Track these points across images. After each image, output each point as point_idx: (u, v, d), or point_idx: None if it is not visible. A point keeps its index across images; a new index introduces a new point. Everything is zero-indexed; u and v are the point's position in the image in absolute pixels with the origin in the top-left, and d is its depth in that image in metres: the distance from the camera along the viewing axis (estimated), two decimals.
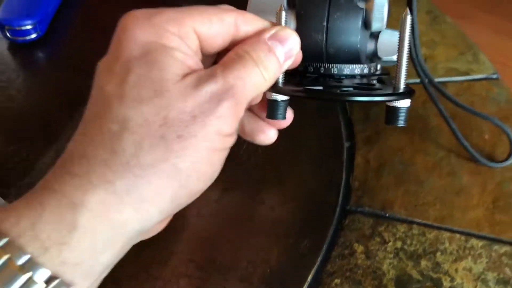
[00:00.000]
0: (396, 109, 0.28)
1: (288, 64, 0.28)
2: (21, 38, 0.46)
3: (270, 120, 0.31)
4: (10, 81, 0.44)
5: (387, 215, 0.34)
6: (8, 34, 0.46)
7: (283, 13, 0.29)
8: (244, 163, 0.37)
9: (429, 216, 0.34)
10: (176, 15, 0.25)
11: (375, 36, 0.32)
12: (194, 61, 0.25)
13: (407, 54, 0.28)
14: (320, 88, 0.31)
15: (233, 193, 0.35)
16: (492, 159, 0.38)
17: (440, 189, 0.36)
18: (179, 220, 0.33)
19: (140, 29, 0.24)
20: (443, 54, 0.48)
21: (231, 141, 0.26)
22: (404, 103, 0.28)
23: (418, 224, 0.33)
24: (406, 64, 0.28)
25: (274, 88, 0.29)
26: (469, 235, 0.33)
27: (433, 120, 0.40)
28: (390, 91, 0.29)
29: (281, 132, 0.40)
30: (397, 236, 0.33)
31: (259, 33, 0.26)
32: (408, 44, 0.28)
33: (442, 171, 0.37)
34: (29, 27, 0.46)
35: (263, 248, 0.32)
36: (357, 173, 0.37)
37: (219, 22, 0.26)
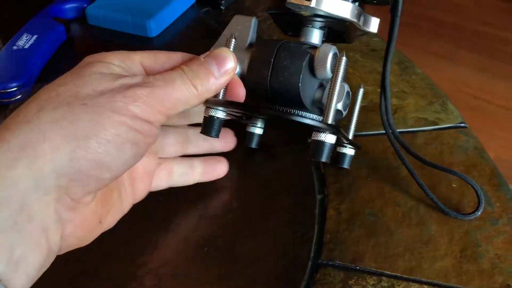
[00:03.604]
0: (321, 143, 0.30)
1: (225, 79, 0.30)
2: (6, 100, 0.48)
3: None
4: None
5: (357, 267, 0.35)
6: None
7: (233, 40, 0.32)
8: (219, 218, 0.38)
9: (398, 268, 0.35)
10: (125, 52, 0.30)
11: (323, 85, 0.34)
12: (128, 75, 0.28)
13: (337, 92, 0.30)
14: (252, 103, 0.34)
15: (207, 250, 0.36)
16: (460, 208, 0.39)
17: (409, 239, 0.37)
18: (153, 280, 0.34)
19: (90, 58, 0.28)
20: (412, 104, 0.50)
21: (146, 129, 0.27)
22: (329, 139, 0.30)
23: (388, 276, 0.34)
24: (336, 100, 0.30)
25: (209, 101, 0.31)
26: (437, 286, 0.34)
27: (403, 170, 0.41)
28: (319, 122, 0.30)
29: (255, 186, 0.41)
30: None
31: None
32: (340, 82, 0.30)
33: (411, 222, 0.38)
34: (14, 89, 0.48)
35: None
36: (329, 225, 0.38)
37: (166, 58, 0.31)
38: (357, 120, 0.40)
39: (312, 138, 0.31)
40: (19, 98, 0.48)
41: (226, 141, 0.40)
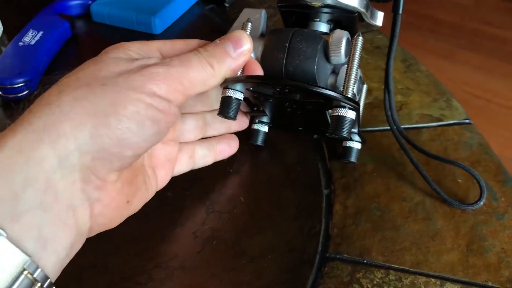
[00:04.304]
0: (342, 118, 0.30)
1: (242, 60, 0.30)
2: (12, 96, 0.48)
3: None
4: None
5: (364, 261, 0.35)
6: (0, 92, 0.48)
7: (249, 24, 0.33)
8: (225, 213, 0.38)
9: (405, 261, 0.35)
10: (143, 41, 0.30)
11: (336, 71, 0.35)
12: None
13: (357, 66, 0.31)
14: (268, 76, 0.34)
15: (215, 244, 0.36)
16: (466, 202, 0.39)
17: (416, 234, 0.37)
18: (162, 273, 0.34)
19: (109, 47, 0.29)
20: (417, 101, 0.50)
21: (165, 106, 0.27)
22: (350, 114, 0.30)
23: (395, 269, 0.35)
24: (354, 78, 0.31)
25: (227, 80, 0.31)
26: (444, 279, 0.34)
27: (409, 166, 0.41)
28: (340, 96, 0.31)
29: (261, 182, 0.41)
30: (375, 282, 0.34)
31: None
32: (358, 61, 0.31)
33: (418, 216, 0.38)
34: (20, 85, 0.48)
35: None
36: (336, 220, 0.38)
37: (183, 44, 0.31)
38: (362, 116, 0.41)
39: (332, 114, 0.31)
40: (25, 93, 0.48)
41: (240, 120, 0.41)
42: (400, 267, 0.35)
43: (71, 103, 0.25)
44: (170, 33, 0.60)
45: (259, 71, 0.33)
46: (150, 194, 0.34)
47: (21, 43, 0.52)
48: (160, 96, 0.27)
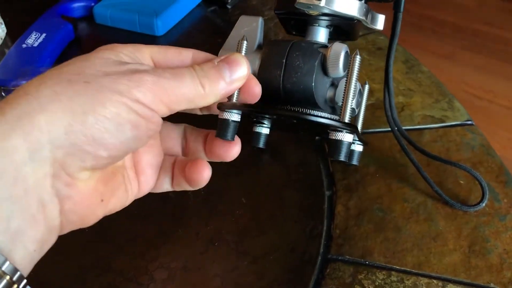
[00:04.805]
0: (339, 142, 0.30)
1: (235, 86, 0.30)
2: None
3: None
4: None
5: (366, 262, 0.35)
6: (3, 94, 0.48)
7: (244, 42, 0.32)
8: (228, 214, 0.38)
9: (407, 263, 0.35)
10: (136, 45, 0.29)
11: (335, 84, 0.34)
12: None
13: (353, 90, 0.30)
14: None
15: (217, 245, 0.36)
16: (468, 203, 0.39)
17: (418, 235, 0.37)
18: (164, 273, 0.34)
19: (101, 47, 0.28)
20: (419, 102, 0.50)
21: (148, 114, 0.26)
22: (346, 138, 0.30)
23: (397, 270, 0.35)
24: (352, 98, 0.30)
25: (223, 105, 0.31)
26: (446, 280, 0.34)
27: (410, 168, 0.41)
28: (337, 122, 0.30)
29: (263, 183, 0.42)
30: (377, 283, 0.34)
31: (212, 59, 0.30)
32: (355, 80, 0.30)
33: (420, 217, 0.38)
34: None
35: None
36: (338, 221, 0.38)
37: (176, 53, 0.31)
38: (364, 117, 0.40)
39: (330, 137, 0.31)
40: None
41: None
42: (402, 268, 0.35)
43: (49, 96, 0.24)
44: (172, 35, 0.60)
45: (257, 89, 0.32)
46: (130, 197, 0.33)
47: (24, 45, 0.52)
48: (144, 103, 0.26)
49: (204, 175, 0.33)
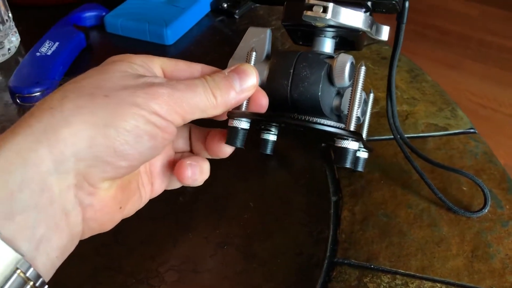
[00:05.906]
0: (345, 150, 0.31)
1: (245, 95, 0.31)
2: (30, 104, 0.50)
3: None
4: None
5: (372, 266, 0.36)
6: (18, 101, 0.50)
7: (253, 53, 0.34)
8: (236, 218, 0.39)
9: (411, 267, 0.36)
10: (148, 56, 0.31)
11: (340, 93, 0.36)
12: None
13: (359, 100, 0.31)
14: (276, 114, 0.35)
15: (226, 248, 0.37)
16: (471, 209, 0.40)
17: (422, 240, 0.38)
18: (174, 276, 0.35)
19: (115, 57, 0.30)
20: (423, 110, 0.51)
21: (164, 125, 0.28)
22: (352, 145, 0.31)
23: (401, 274, 0.35)
24: (357, 108, 0.31)
25: (232, 113, 0.32)
26: (449, 284, 0.35)
27: (414, 174, 0.42)
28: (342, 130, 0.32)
29: (271, 188, 0.43)
30: (381, 286, 0.35)
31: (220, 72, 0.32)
32: (360, 90, 0.32)
33: (423, 223, 0.39)
34: (37, 93, 0.49)
35: None
36: (344, 226, 0.39)
37: (186, 66, 0.32)
38: (368, 125, 0.41)
39: (336, 145, 0.32)
40: None
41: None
42: (407, 272, 0.36)
43: (72, 110, 0.25)
44: (181, 44, 0.62)
45: (264, 101, 0.34)
46: (144, 201, 0.34)
47: (38, 53, 0.53)
48: (160, 115, 0.27)
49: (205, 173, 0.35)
